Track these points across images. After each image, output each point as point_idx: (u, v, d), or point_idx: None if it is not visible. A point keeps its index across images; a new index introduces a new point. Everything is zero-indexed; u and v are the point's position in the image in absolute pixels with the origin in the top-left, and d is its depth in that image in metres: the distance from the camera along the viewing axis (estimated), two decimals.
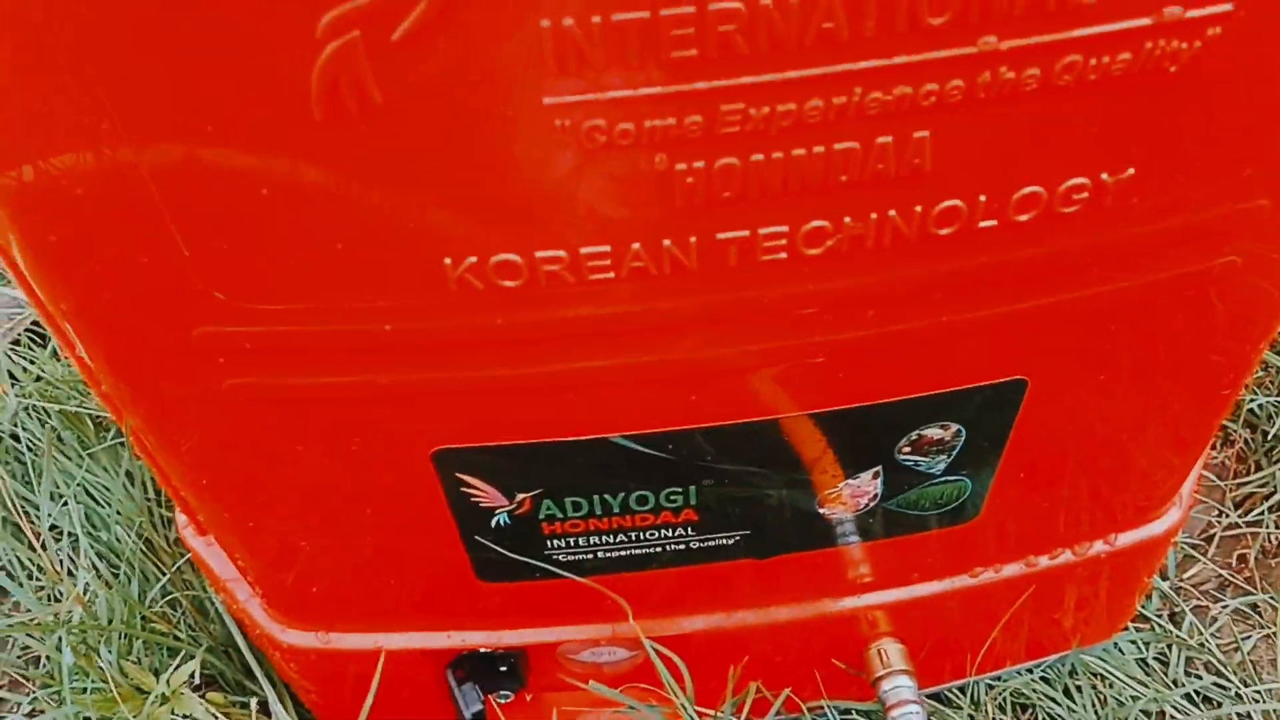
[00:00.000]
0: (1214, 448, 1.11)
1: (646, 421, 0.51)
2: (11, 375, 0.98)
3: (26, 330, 1.00)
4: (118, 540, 0.87)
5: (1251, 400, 1.09)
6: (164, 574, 0.85)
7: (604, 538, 0.59)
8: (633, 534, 0.59)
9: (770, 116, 0.37)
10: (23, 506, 0.92)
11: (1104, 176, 0.42)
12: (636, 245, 0.41)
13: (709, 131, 0.37)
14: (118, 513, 0.88)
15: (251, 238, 0.40)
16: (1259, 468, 1.07)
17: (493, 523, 0.57)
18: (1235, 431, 1.11)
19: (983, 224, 0.43)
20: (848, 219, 0.41)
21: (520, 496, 0.55)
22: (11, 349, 0.99)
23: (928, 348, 0.49)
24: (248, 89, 0.35)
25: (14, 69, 0.34)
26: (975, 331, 0.49)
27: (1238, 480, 1.08)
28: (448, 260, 0.41)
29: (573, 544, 0.59)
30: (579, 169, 0.38)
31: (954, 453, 0.57)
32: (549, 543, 0.59)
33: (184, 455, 0.53)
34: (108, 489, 0.89)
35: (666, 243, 0.41)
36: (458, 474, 0.53)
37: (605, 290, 0.43)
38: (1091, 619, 0.80)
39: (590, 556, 0.60)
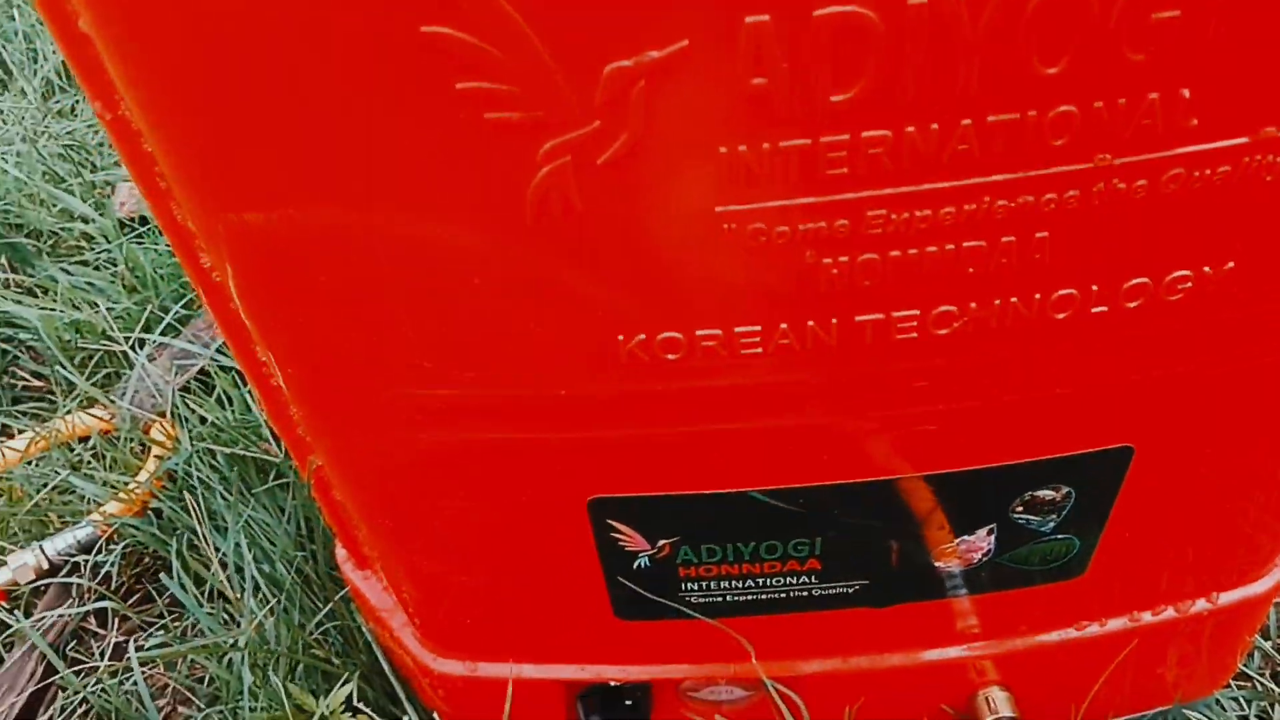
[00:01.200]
0: None
1: (781, 478, 0.57)
2: (183, 420, 1.08)
3: (195, 379, 1.10)
4: (279, 574, 0.96)
5: None
6: (318, 605, 0.93)
7: (734, 582, 0.65)
8: (761, 580, 0.64)
9: (909, 221, 0.43)
10: (191, 543, 1.01)
11: (1206, 269, 0.47)
12: (784, 325, 0.47)
13: (854, 232, 0.43)
14: (276, 548, 0.97)
15: (462, 318, 0.47)
16: None
17: (634, 565, 0.63)
18: None
19: (1095, 309, 0.48)
20: (973, 304, 0.47)
21: (661, 542, 0.61)
22: (181, 394, 1.09)
23: (1043, 415, 0.54)
24: (478, 196, 0.42)
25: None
26: (1086, 400, 0.54)
27: None
28: (620, 337, 0.48)
29: (705, 587, 0.65)
30: (740, 262, 0.44)
31: (1064, 512, 0.61)
32: (683, 585, 0.65)
33: (366, 495, 0.61)
34: (269, 524, 0.97)
35: (810, 323, 0.47)
36: (608, 520, 0.59)
37: (753, 363, 0.49)
38: (1193, 675, 0.83)
39: (720, 599, 0.66)
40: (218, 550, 0.93)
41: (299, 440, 0.65)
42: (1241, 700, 0.94)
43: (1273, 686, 0.95)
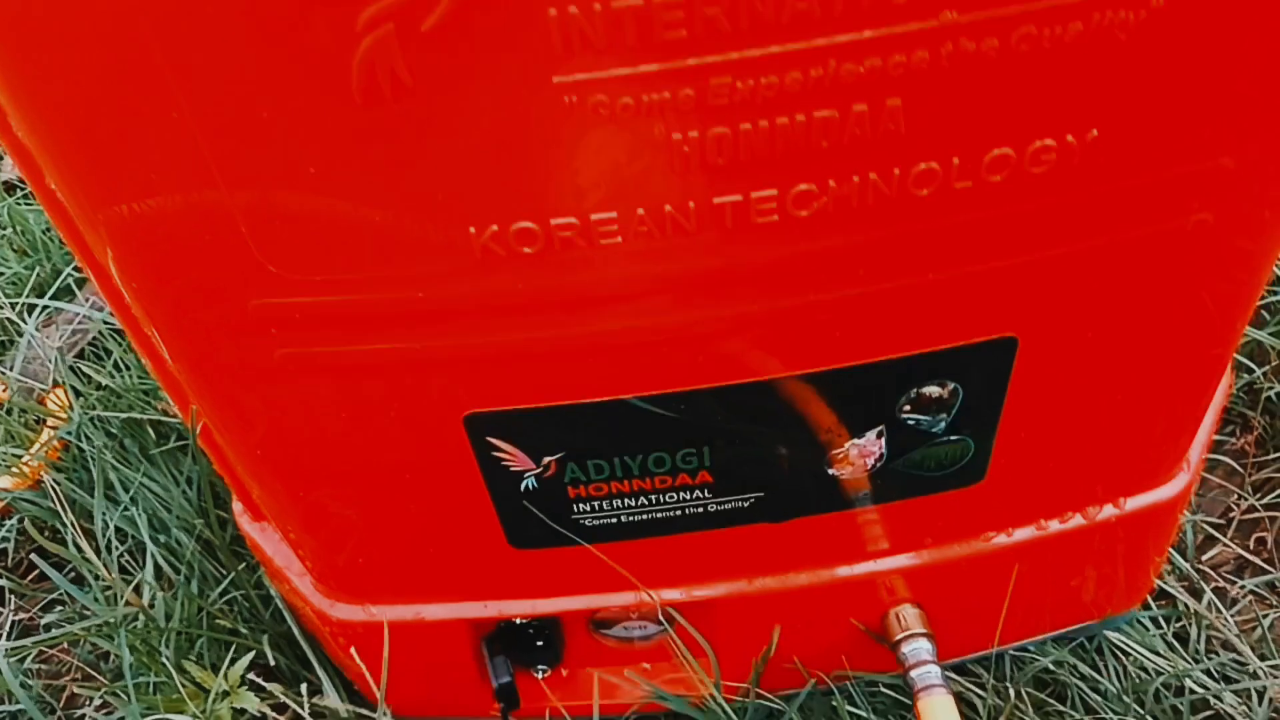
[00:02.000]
0: (1233, 434, 1.13)
1: (658, 383, 0.55)
2: (75, 390, 1.04)
3: (89, 344, 1.07)
4: (178, 544, 0.93)
5: (1269, 388, 1.11)
6: (223, 573, 0.90)
7: (626, 501, 0.63)
8: (653, 496, 0.63)
9: (754, 89, 0.42)
10: (88, 512, 0.98)
11: (1069, 138, 0.46)
12: (640, 211, 0.46)
13: (700, 103, 0.42)
14: (177, 517, 0.94)
15: (300, 213, 0.45)
16: (1277, 452, 1.09)
17: (522, 486, 0.61)
18: (1254, 418, 1.13)
19: (958, 185, 0.47)
20: (832, 182, 0.46)
21: (546, 460, 0.59)
22: (76, 362, 1.06)
23: (918, 305, 0.53)
24: (299, 79, 0.40)
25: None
26: (962, 289, 0.53)
27: (1257, 464, 1.10)
28: (472, 229, 0.46)
29: (597, 508, 0.63)
30: (586, 141, 0.43)
31: (954, 411, 0.60)
32: (575, 506, 0.63)
33: (241, 429, 0.58)
34: (169, 492, 0.94)
35: (668, 208, 0.46)
36: (488, 438, 0.57)
37: (613, 254, 0.47)
38: (1111, 591, 0.83)
39: (614, 521, 0.65)
40: (109, 525, 0.90)
41: (181, 392, 0.62)
42: (1161, 618, 0.95)
43: (1191, 602, 0.96)
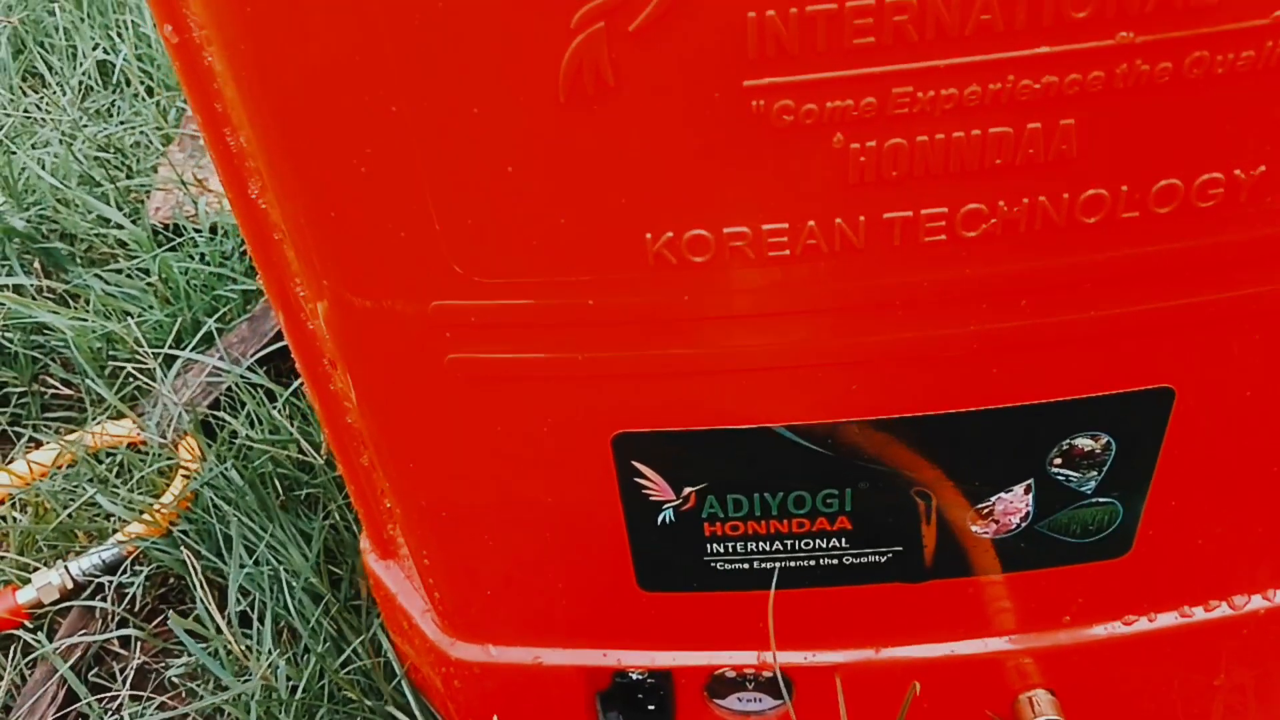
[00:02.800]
0: None
1: (806, 412, 0.56)
2: (211, 437, 1.08)
3: (224, 395, 1.11)
4: (300, 605, 0.94)
5: None
6: (343, 641, 0.91)
7: (761, 544, 0.63)
8: (789, 541, 0.63)
9: (934, 100, 0.44)
10: (216, 572, 1.00)
11: (1237, 173, 0.47)
12: (811, 223, 0.48)
13: (881, 112, 0.44)
14: (305, 581, 0.95)
15: (492, 212, 0.48)
16: None
17: (659, 519, 0.61)
18: None
19: (1126, 215, 0.48)
20: (1002, 203, 0.47)
21: (686, 490, 0.60)
22: (209, 413, 1.10)
23: (1077, 346, 0.53)
24: (510, 75, 0.43)
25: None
26: (1123, 332, 0.53)
27: None
28: (648, 235, 0.48)
29: (731, 549, 0.63)
30: (768, 147, 0.45)
31: (1104, 469, 0.59)
32: (709, 546, 0.63)
33: (399, 439, 0.60)
34: (285, 549, 0.96)
35: (838, 220, 0.47)
36: (633, 461, 0.58)
37: (781, 267, 0.49)
38: (1255, 699, 0.78)
39: (747, 566, 0.64)
40: (235, 588, 0.92)
41: (336, 412, 0.65)
42: None
43: None
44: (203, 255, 1.22)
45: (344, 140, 0.47)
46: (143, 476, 1.06)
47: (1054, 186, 0.47)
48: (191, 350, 1.09)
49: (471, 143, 0.46)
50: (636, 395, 0.56)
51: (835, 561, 0.64)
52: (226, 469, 1.02)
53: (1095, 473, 0.59)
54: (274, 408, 1.06)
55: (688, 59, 0.43)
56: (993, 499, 0.60)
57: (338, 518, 1.02)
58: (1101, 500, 0.61)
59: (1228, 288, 0.52)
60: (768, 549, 0.63)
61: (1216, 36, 0.43)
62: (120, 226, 1.26)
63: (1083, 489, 0.60)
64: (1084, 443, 0.58)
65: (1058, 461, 0.59)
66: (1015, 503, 0.61)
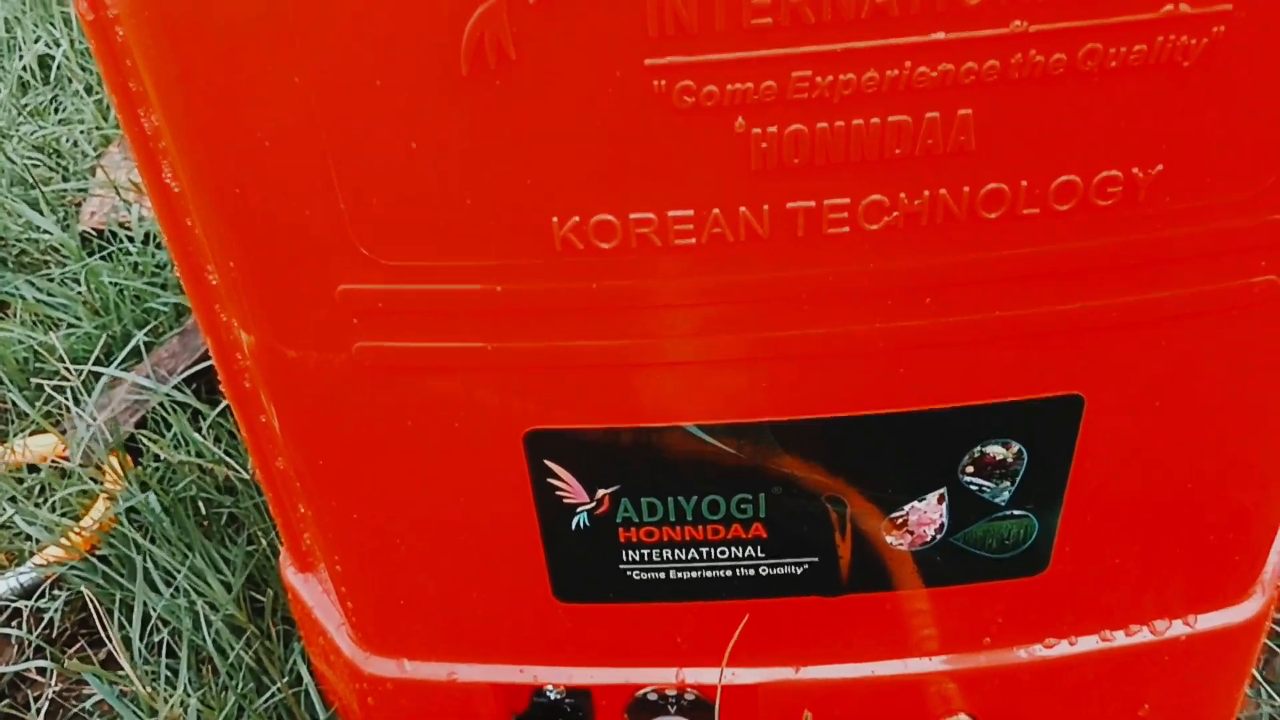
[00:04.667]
0: None
1: (718, 411, 0.55)
2: (136, 459, 1.06)
3: (150, 414, 1.09)
4: (218, 635, 0.92)
5: None
6: (264, 676, 0.88)
7: (676, 552, 0.62)
8: (704, 549, 0.62)
9: (833, 85, 0.44)
10: (128, 601, 0.97)
11: (1135, 171, 0.48)
12: (716, 210, 0.48)
13: (781, 97, 0.44)
14: (220, 612, 0.92)
15: (397, 191, 0.48)
16: None
17: (573, 524, 0.60)
18: None
19: (1026, 210, 0.48)
20: (903, 195, 0.47)
21: (600, 493, 0.59)
22: (136, 431, 1.08)
23: (984, 351, 0.54)
24: (413, 48, 0.43)
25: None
26: (1028, 335, 0.53)
27: None
28: (554, 219, 0.48)
29: (646, 558, 0.62)
30: (670, 130, 0.45)
31: (1017, 479, 0.59)
32: (624, 554, 0.62)
33: (308, 434, 0.59)
34: (202, 579, 0.94)
35: (742, 209, 0.48)
36: (545, 460, 0.57)
37: (687, 256, 0.49)
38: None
39: (662, 576, 0.63)
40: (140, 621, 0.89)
41: (250, 408, 0.64)
42: None
43: None
44: (136, 264, 1.20)
45: (248, 112, 0.47)
46: (64, 497, 1.03)
47: (954, 179, 0.47)
48: (121, 364, 1.07)
49: (375, 117, 0.46)
50: (548, 390, 0.55)
51: (752, 572, 0.63)
52: (147, 494, 1.00)
53: (1008, 483, 0.59)
54: (201, 429, 1.04)
55: (590, 35, 0.43)
56: (906, 508, 0.60)
57: (263, 542, 0.99)
58: (1016, 513, 0.61)
59: (1132, 291, 0.52)
60: (683, 557, 0.62)
61: (1108, 29, 0.44)
62: (49, 233, 1.24)
63: (996, 499, 0.60)
64: (995, 450, 0.58)
65: (970, 470, 0.59)
66: (929, 513, 0.60)
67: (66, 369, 1.04)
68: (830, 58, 0.44)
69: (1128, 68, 0.45)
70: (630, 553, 0.62)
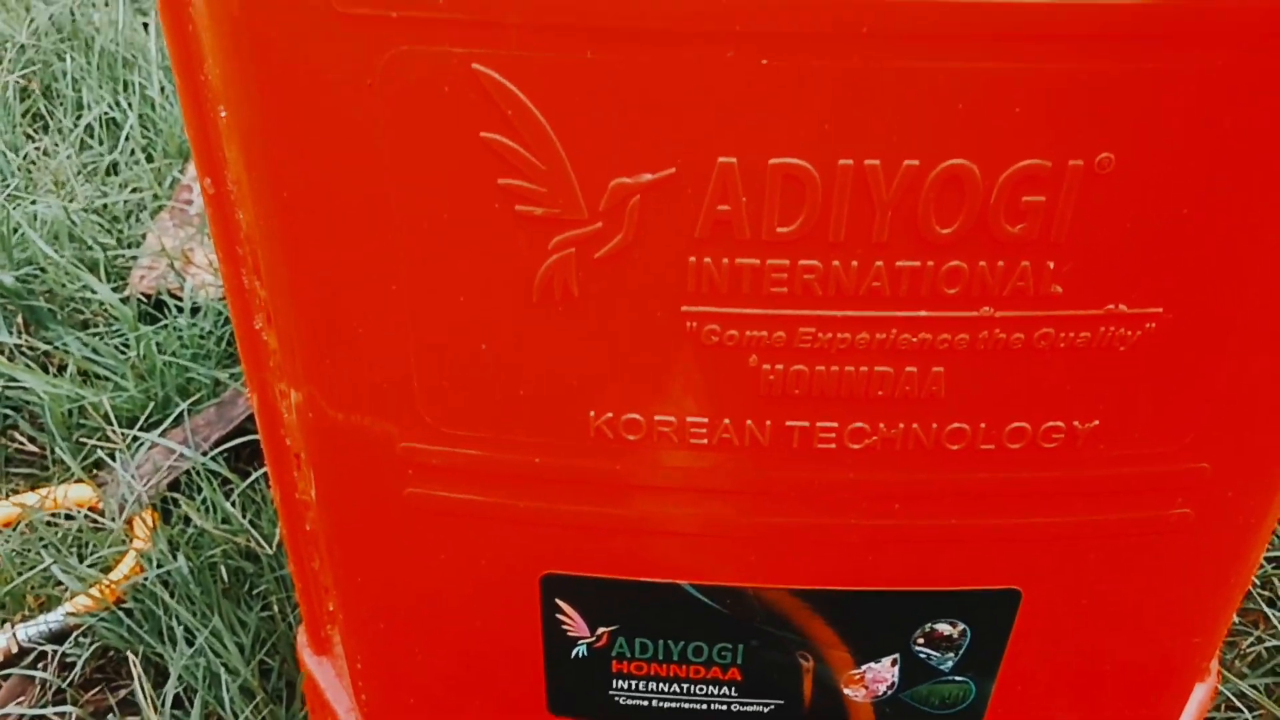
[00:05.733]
0: None
1: (711, 574, 0.65)
2: (165, 519, 1.14)
3: (184, 476, 1.18)
4: (232, 701, 0.99)
5: None
6: None
7: (661, 685, 0.71)
8: (685, 685, 0.71)
9: (832, 340, 0.54)
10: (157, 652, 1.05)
11: (1075, 423, 0.58)
12: (726, 420, 0.57)
13: (789, 344, 0.54)
14: (235, 673, 1.00)
15: (464, 378, 0.57)
16: None
17: (574, 653, 0.69)
18: None
19: (983, 446, 0.58)
20: (882, 425, 0.57)
21: (600, 630, 0.68)
22: (167, 492, 1.17)
23: (939, 547, 0.63)
24: (496, 276, 0.53)
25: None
26: (977, 539, 0.63)
27: None
28: (592, 413, 0.58)
29: (633, 687, 0.71)
30: (696, 358, 0.55)
31: (961, 651, 0.68)
32: (615, 681, 0.71)
33: (353, 557, 0.68)
34: (220, 640, 1.02)
35: (748, 422, 0.57)
36: (557, 599, 0.66)
37: (699, 453, 0.58)
38: None
39: (646, 703, 0.72)
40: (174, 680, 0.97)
41: (300, 532, 0.73)
42: None
43: None
44: (180, 335, 1.29)
45: (350, 306, 0.56)
46: (95, 546, 1.11)
47: (925, 417, 0.57)
48: (161, 428, 1.16)
49: (455, 323, 0.55)
50: (566, 543, 0.64)
51: (725, 707, 0.72)
52: (175, 556, 1.08)
53: (953, 654, 0.69)
54: (230, 498, 1.13)
55: (640, 284, 0.53)
56: (864, 668, 0.69)
57: (276, 609, 1.07)
58: (958, 679, 0.70)
59: (1067, 514, 0.62)
60: (666, 690, 0.71)
61: (1059, 319, 0.54)
62: (94, 292, 1.32)
63: (941, 667, 0.69)
64: (944, 628, 0.67)
65: (921, 641, 0.68)
66: (883, 672, 0.69)
67: (112, 431, 1.12)
68: (831, 320, 0.54)
69: (1074, 348, 0.55)
70: (620, 681, 0.71)
